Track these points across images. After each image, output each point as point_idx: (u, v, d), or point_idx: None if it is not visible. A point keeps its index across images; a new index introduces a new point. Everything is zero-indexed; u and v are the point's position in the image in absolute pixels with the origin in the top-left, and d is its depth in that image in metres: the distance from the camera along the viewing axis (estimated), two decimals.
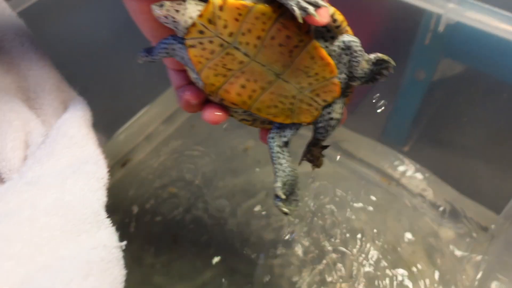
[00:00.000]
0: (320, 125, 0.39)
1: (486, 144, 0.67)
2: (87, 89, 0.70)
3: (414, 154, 0.74)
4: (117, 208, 0.70)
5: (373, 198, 0.71)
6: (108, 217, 0.40)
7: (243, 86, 0.37)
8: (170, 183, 0.74)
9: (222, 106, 0.40)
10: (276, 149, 0.40)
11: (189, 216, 0.70)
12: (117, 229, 0.39)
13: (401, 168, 0.75)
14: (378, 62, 0.36)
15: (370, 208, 0.70)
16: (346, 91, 0.38)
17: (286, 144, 0.40)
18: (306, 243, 0.66)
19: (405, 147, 0.75)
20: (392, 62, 0.36)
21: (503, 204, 0.65)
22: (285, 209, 0.39)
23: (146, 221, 0.69)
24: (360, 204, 0.70)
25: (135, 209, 0.70)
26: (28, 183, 0.38)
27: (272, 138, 0.40)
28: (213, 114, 0.39)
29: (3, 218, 0.36)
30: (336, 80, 0.36)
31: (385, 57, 0.36)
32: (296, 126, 0.40)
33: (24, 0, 0.53)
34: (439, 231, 0.68)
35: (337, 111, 0.38)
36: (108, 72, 0.72)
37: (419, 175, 0.73)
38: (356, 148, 0.77)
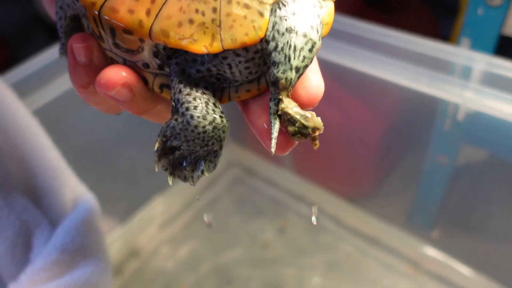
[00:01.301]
0: (272, 46, 0.22)
1: None
2: (103, 175, 0.71)
3: (443, 241, 0.69)
4: None
5: None
6: None
7: None
8: (185, 278, 0.70)
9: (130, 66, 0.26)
10: (176, 68, 0.25)
11: None
12: None
13: (429, 256, 0.69)
14: None
15: None
16: None
17: (199, 72, 0.24)
18: None
19: (433, 233, 0.70)
20: None
21: None
22: (159, 166, 0.25)
23: None
24: None
25: None
26: None
27: (176, 58, 0.25)
28: (112, 71, 0.25)
29: None
30: None
31: None
32: (226, 54, 0.24)
33: (38, 99, 0.54)
34: None
35: (302, 17, 0.22)
36: (123, 159, 0.72)
37: (450, 264, 0.68)
38: (379, 234, 0.73)
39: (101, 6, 0.24)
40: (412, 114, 0.59)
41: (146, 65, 0.26)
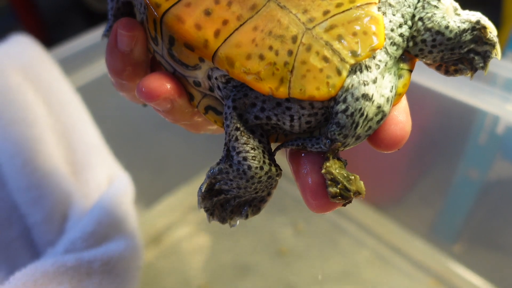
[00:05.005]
0: (341, 107, 0.21)
1: None
2: (133, 160, 0.72)
3: (465, 256, 0.69)
4: None
5: None
6: None
7: (207, 12, 0.21)
8: (203, 273, 0.70)
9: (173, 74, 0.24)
10: (233, 113, 0.22)
11: None
12: None
13: (448, 269, 0.69)
14: (477, 27, 0.22)
15: None
16: (401, 57, 0.22)
17: (257, 119, 0.22)
18: None
19: (455, 247, 0.70)
20: (498, 51, 0.22)
21: None
22: (201, 206, 0.24)
23: None
24: None
25: None
26: (59, 273, 0.36)
27: (233, 101, 0.22)
28: (157, 81, 0.23)
29: None
30: (376, 12, 0.21)
31: (490, 26, 0.22)
32: (291, 105, 0.22)
33: (82, 77, 0.56)
34: None
35: (381, 87, 0.21)
36: (154, 146, 0.73)
37: (471, 280, 0.67)
38: (401, 242, 0.72)
39: (166, 11, 0.22)
40: (448, 124, 0.58)
41: (197, 83, 0.24)
